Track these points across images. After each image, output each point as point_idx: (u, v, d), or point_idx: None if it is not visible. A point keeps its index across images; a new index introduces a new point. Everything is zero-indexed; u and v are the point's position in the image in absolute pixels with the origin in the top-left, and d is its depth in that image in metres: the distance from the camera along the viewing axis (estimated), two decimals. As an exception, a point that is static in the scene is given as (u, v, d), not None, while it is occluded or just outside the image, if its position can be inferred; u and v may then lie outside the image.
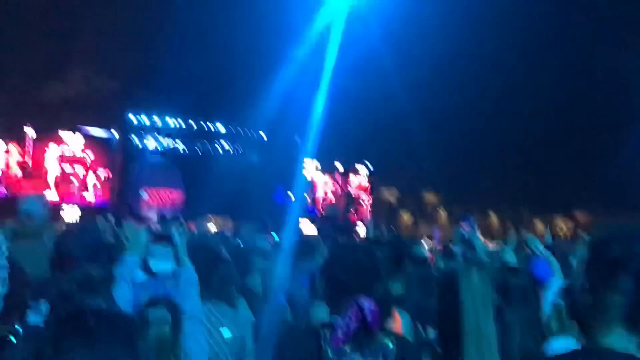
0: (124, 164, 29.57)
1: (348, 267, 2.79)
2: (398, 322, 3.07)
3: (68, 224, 18.85)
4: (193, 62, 26.82)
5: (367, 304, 2.63)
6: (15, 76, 27.55)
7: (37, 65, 28.07)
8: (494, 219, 37.57)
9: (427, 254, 9.22)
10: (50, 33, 27.68)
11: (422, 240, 14.01)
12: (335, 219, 32.30)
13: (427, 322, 4.12)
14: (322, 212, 33.84)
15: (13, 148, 26.72)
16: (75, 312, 1.89)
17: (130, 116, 29.55)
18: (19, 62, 27.06)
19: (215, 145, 32.71)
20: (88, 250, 3.09)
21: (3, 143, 26.43)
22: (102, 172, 28.86)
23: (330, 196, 35.48)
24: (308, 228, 32.47)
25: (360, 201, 35.73)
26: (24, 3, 26.55)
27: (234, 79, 29.38)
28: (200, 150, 32.74)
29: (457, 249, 8.72)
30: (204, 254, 4.06)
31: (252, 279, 6.89)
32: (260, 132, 32.74)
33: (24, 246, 3.88)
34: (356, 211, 35.09)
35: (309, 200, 34.33)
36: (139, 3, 26.86)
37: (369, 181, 36.14)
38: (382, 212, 36.90)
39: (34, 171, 27.00)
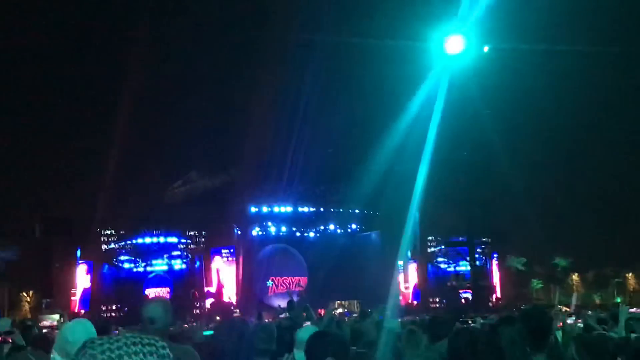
0: (248, 256, 30.26)
1: (468, 355, 2.68)
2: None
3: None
4: (307, 154, 27.54)
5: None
6: (140, 180, 29.17)
7: (160, 167, 29.78)
8: (631, 281, 35.75)
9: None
10: (168, 137, 29.42)
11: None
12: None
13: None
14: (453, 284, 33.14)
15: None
16: None
17: (252, 209, 30.42)
18: (142, 166, 28.66)
19: (334, 228, 33.06)
20: (236, 345, 3.20)
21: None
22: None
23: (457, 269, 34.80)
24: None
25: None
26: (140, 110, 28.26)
27: (345, 165, 30.01)
28: (319, 234, 33.18)
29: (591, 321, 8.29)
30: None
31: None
32: (376, 213, 32.81)
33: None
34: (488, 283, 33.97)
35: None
36: (258, 106, 28.10)
37: (495, 251, 35.14)
38: (512, 281, 35.74)
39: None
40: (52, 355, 3.37)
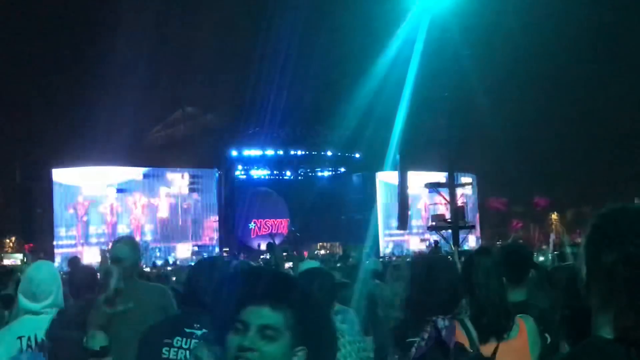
0: (230, 198, 30.34)
1: (424, 287, 2.75)
2: (523, 329, 3.01)
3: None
4: (287, 96, 27.39)
5: (442, 321, 2.62)
6: (122, 121, 28.91)
7: (142, 109, 29.44)
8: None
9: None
10: (151, 79, 29.02)
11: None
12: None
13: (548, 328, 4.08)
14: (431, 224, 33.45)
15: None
16: None
17: (233, 152, 30.37)
18: (124, 108, 28.33)
19: (315, 170, 33.13)
20: (216, 285, 3.20)
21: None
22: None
23: (438, 209, 35.10)
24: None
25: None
26: (125, 50, 27.82)
27: (325, 106, 29.93)
28: (301, 177, 33.27)
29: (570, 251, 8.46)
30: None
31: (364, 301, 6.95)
32: (357, 154, 32.87)
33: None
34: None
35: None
36: (237, 47, 27.73)
37: (474, 191, 35.40)
38: (492, 221, 36.23)
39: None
40: (19, 297, 3.52)
